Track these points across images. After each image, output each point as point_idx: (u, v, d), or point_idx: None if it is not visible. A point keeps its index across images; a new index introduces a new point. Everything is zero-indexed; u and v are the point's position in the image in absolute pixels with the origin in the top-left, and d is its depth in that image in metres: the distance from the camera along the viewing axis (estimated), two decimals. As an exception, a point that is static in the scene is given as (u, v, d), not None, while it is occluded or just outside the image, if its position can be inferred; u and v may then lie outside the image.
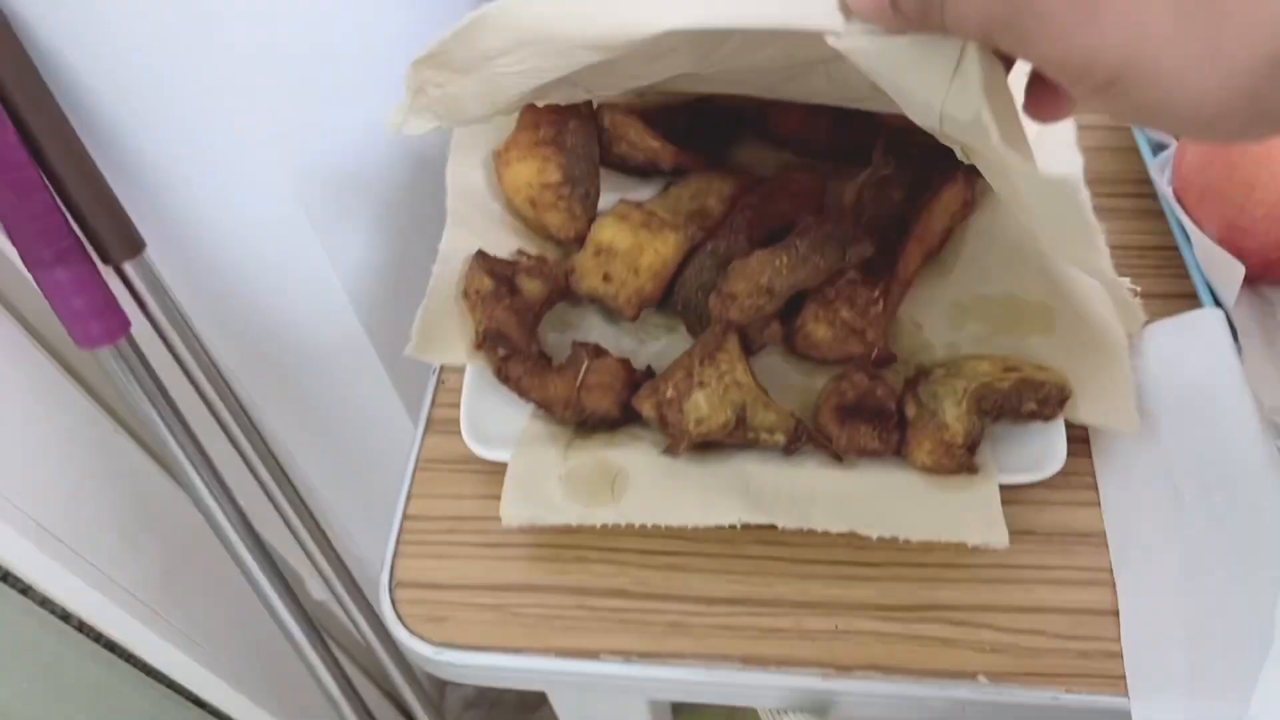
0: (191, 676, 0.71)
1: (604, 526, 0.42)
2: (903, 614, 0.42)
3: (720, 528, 0.41)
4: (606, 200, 0.51)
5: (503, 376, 0.44)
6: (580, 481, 0.43)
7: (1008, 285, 0.48)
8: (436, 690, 1.16)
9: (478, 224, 0.49)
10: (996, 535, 0.40)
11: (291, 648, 0.69)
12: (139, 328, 0.55)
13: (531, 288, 0.46)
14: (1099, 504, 0.44)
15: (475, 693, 1.18)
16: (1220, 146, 0.47)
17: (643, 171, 0.54)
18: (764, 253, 0.44)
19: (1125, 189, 0.55)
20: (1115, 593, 0.42)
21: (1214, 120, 0.26)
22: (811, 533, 0.41)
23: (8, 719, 0.54)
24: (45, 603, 0.58)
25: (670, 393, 0.43)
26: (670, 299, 0.49)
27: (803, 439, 0.43)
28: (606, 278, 0.47)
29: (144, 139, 0.53)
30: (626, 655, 0.42)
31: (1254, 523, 0.41)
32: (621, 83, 0.47)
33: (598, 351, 0.45)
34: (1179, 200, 0.50)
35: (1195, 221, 0.49)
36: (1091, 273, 0.41)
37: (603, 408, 0.44)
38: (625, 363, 0.45)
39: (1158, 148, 0.54)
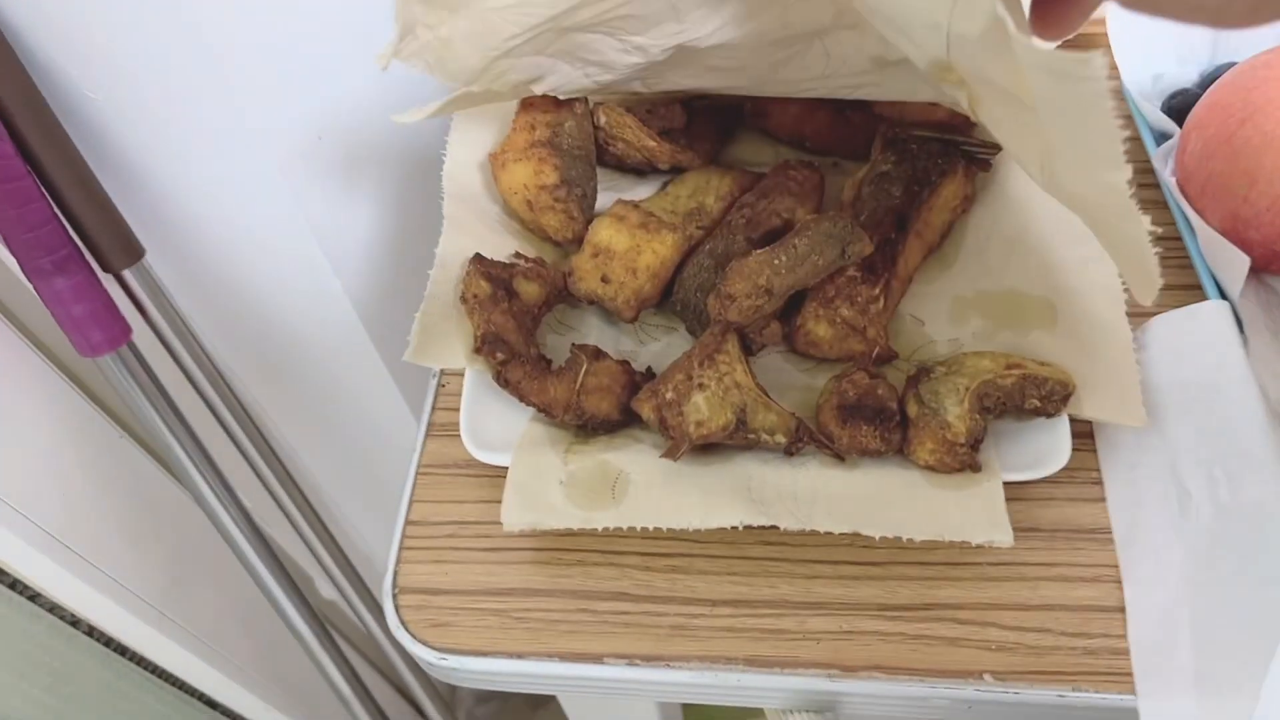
0: (203, 678, 0.72)
1: (605, 530, 0.42)
2: (908, 614, 0.42)
3: (722, 530, 0.41)
4: (604, 199, 0.51)
5: (502, 381, 0.44)
6: (581, 485, 0.43)
7: (1009, 280, 0.48)
8: (448, 686, 1.16)
9: (475, 227, 0.49)
10: (1001, 533, 0.40)
11: (300, 646, 0.70)
12: (140, 333, 0.55)
13: (529, 291, 0.46)
14: (1104, 499, 0.44)
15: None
16: (1222, 138, 0.46)
17: (640, 170, 0.54)
18: (762, 253, 0.44)
19: (1128, 179, 0.54)
20: (1121, 589, 0.41)
21: (1222, 6, 0.26)
22: (814, 533, 0.41)
23: (20, 726, 0.55)
24: (54, 609, 0.58)
25: (670, 395, 0.42)
26: (669, 299, 0.49)
27: (804, 440, 0.43)
28: (605, 279, 0.47)
29: (143, 147, 0.53)
30: (630, 659, 0.41)
31: (1261, 516, 0.40)
32: (615, 55, 0.46)
33: (597, 354, 0.45)
34: (1182, 191, 0.50)
35: (1199, 213, 0.48)
36: (1113, 201, 0.33)
37: (602, 411, 0.44)
38: (625, 365, 0.45)
39: (1160, 137, 0.54)
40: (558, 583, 0.44)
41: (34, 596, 0.57)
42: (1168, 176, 0.51)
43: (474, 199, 0.50)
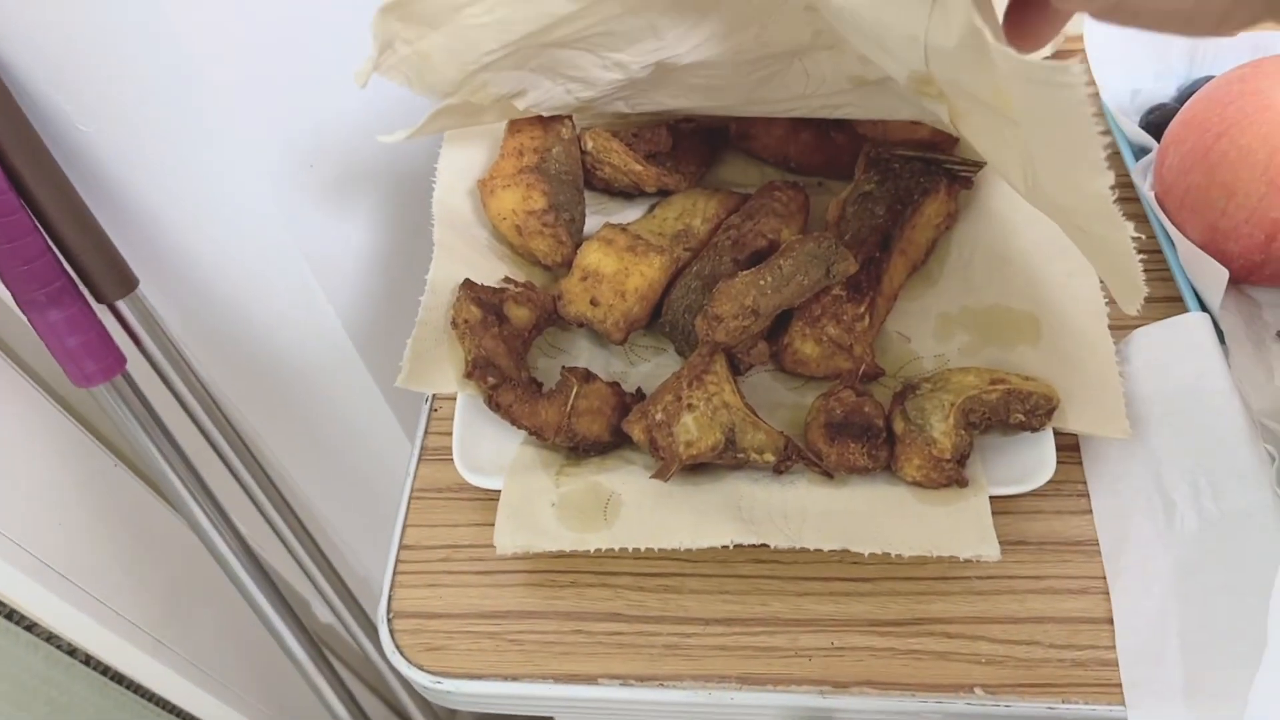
0: (200, 705, 0.72)
1: (598, 551, 0.42)
2: (898, 629, 0.42)
3: (713, 549, 0.42)
4: (592, 223, 0.52)
5: (493, 405, 0.44)
6: (573, 507, 0.43)
7: (993, 296, 0.48)
8: (446, 709, 1.16)
9: (465, 252, 0.49)
10: (988, 548, 0.40)
11: (297, 671, 0.70)
12: (134, 363, 0.55)
13: (519, 315, 0.47)
14: (1090, 512, 0.44)
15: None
16: (1199, 153, 0.47)
17: (627, 194, 0.54)
18: (748, 274, 0.44)
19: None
20: (1109, 600, 0.42)
21: (1193, 14, 0.26)
22: (804, 550, 0.41)
23: (17, 757, 0.55)
24: (51, 638, 0.58)
25: (659, 416, 0.43)
26: (658, 320, 0.49)
27: (793, 458, 0.43)
28: (594, 302, 0.47)
29: (135, 179, 0.53)
30: (624, 679, 0.42)
31: (1246, 525, 0.41)
32: (596, 72, 0.46)
33: (587, 376, 0.46)
34: (1161, 205, 0.50)
35: (1178, 226, 0.49)
36: (1095, 208, 0.33)
37: (593, 433, 0.45)
38: (615, 387, 0.46)
39: (1139, 152, 0.54)
40: (551, 604, 0.44)
41: (30, 626, 0.57)
42: (1147, 191, 0.52)
43: (464, 225, 0.51)
